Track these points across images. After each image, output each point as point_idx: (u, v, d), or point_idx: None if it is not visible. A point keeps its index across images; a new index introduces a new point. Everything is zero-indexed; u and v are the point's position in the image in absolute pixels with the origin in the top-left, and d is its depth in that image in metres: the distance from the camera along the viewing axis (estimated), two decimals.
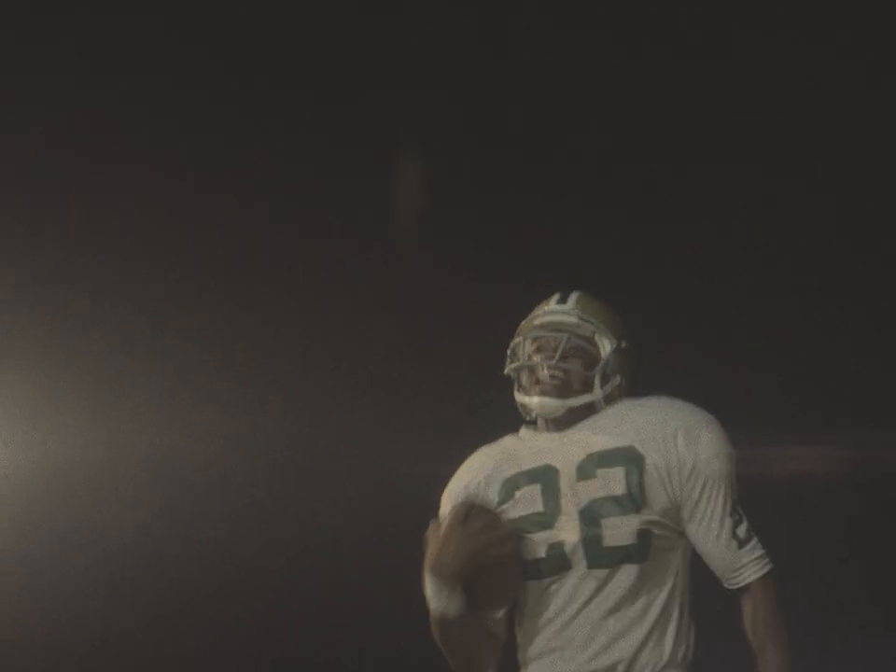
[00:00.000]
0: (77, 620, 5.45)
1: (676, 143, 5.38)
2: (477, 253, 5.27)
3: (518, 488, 3.05)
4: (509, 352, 3.15)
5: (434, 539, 2.94)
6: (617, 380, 3.10)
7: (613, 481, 3.00)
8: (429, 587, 2.93)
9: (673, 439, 2.99)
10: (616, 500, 2.97)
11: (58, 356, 5.39)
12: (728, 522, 3.02)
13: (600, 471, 3.00)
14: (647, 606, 2.97)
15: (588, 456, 3.03)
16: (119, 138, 5.37)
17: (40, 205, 5.39)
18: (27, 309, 5.38)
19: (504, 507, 3.04)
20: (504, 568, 2.95)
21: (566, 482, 3.01)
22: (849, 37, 5.26)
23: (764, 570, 3.04)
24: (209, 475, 5.38)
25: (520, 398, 3.13)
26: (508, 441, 3.15)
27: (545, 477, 3.04)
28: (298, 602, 5.46)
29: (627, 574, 2.96)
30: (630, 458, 2.99)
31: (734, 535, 3.02)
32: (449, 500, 3.14)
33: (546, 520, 3.00)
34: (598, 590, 2.95)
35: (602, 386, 3.07)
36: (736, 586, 3.04)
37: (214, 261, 5.52)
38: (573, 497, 2.99)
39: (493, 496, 3.07)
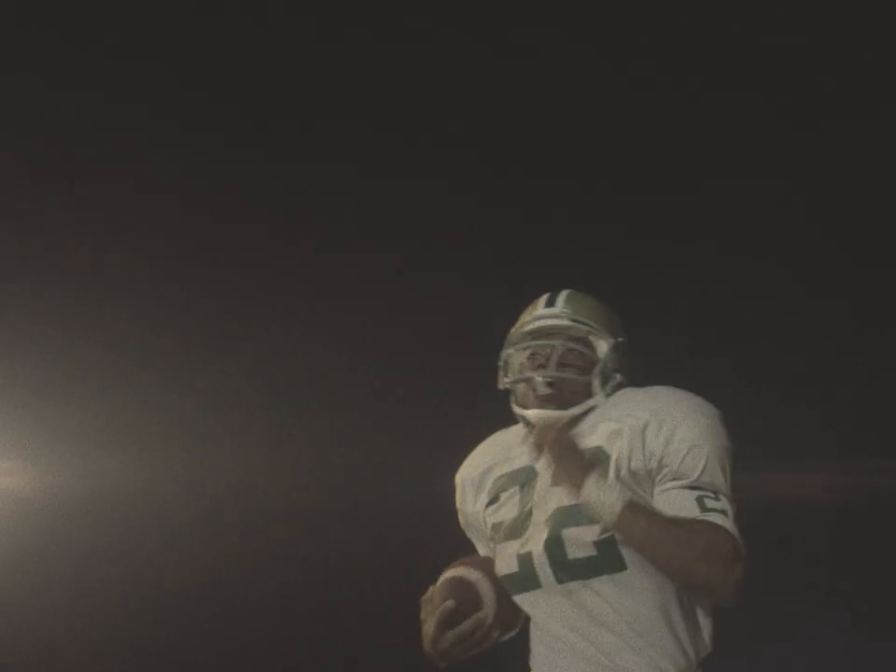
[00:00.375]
0: (98, 633, 5.49)
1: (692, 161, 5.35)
2: (470, 264, 5.27)
3: (504, 490, 2.78)
4: (500, 364, 2.85)
5: (425, 620, 2.65)
6: (617, 378, 2.82)
7: None
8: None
9: (641, 431, 2.66)
10: (579, 508, 2.64)
11: (95, 384, 5.43)
12: (698, 492, 2.59)
13: None
14: (636, 616, 2.64)
15: None
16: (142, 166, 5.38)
17: (87, 232, 5.42)
18: (66, 338, 5.40)
19: (491, 508, 2.77)
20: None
21: (541, 486, 2.73)
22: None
23: (720, 522, 2.49)
24: (230, 494, 5.41)
25: (518, 411, 2.82)
26: (514, 432, 2.85)
27: (525, 480, 2.76)
28: (316, 613, 5.47)
29: (602, 587, 2.63)
30: (598, 460, 2.66)
31: (698, 499, 2.59)
32: (456, 493, 2.94)
33: (518, 528, 2.72)
34: (576, 606, 2.64)
35: (603, 388, 2.81)
36: None
37: (239, 290, 5.52)
38: (543, 504, 2.70)
39: (485, 495, 2.81)
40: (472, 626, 2.64)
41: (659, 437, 2.65)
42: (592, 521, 2.62)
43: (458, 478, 2.86)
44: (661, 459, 2.63)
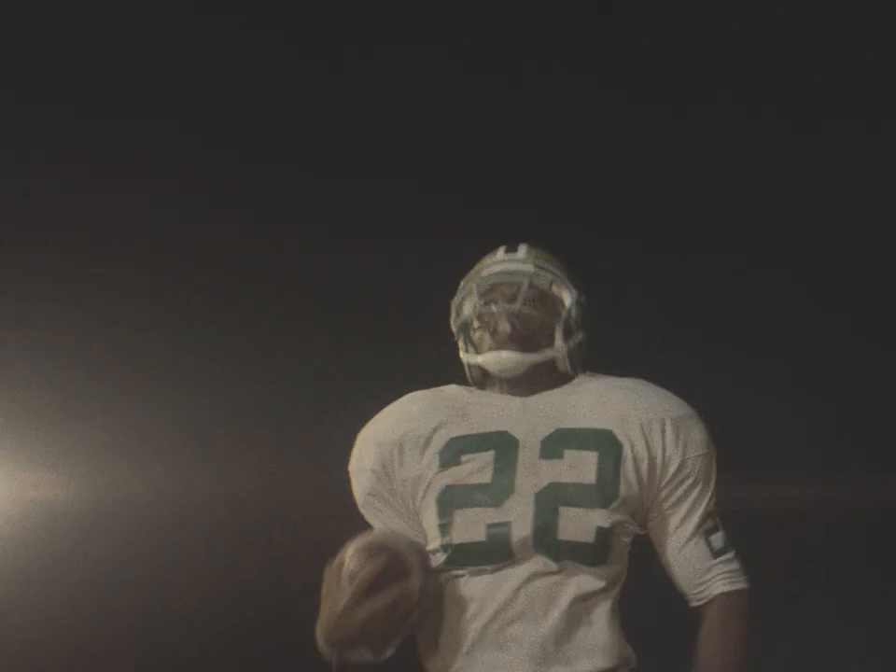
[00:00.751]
0: (126, 639, 5.54)
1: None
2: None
3: (466, 452, 2.56)
4: (453, 308, 2.70)
5: (332, 592, 2.41)
6: (580, 336, 2.67)
7: (584, 466, 2.52)
8: (322, 647, 2.47)
9: (660, 430, 2.55)
10: (583, 489, 2.51)
11: (119, 395, 5.48)
12: (704, 527, 2.59)
13: (569, 452, 2.53)
14: (597, 611, 2.53)
15: (557, 431, 2.57)
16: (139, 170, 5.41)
17: (108, 247, 5.48)
18: (89, 350, 5.45)
19: (445, 471, 2.56)
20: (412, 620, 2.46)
21: (526, 456, 2.55)
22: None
23: (736, 586, 2.59)
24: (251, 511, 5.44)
25: (470, 358, 2.65)
26: (454, 392, 2.66)
27: (501, 446, 2.55)
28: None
29: (578, 576, 2.51)
30: (607, 444, 2.53)
31: (707, 542, 2.59)
32: (375, 451, 2.63)
33: (493, 497, 2.52)
34: (545, 588, 2.50)
35: (565, 341, 2.64)
36: (702, 600, 2.60)
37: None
38: (533, 475, 2.52)
39: (433, 455, 2.58)
40: (398, 596, 2.40)
41: (679, 439, 2.54)
42: (601, 504, 2.50)
43: (391, 435, 2.62)
44: (680, 464, 2.53)
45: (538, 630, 2.49)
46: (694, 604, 2.62)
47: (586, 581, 2.51)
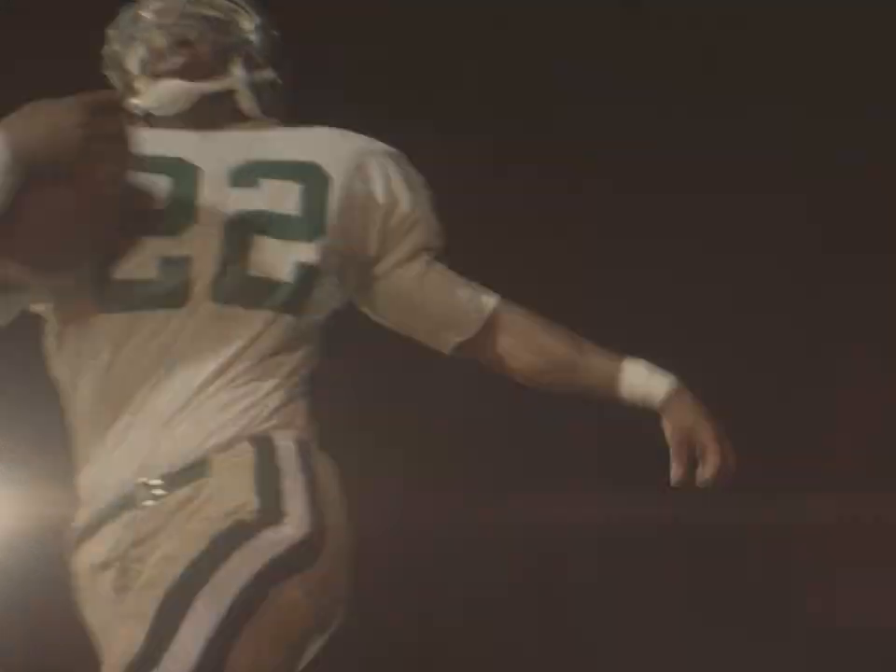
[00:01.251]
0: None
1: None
2: None
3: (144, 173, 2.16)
4: (107, 59, 2.36)
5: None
6: (269, 74, 2.35)
7: (285, 196, 2.15)
8: None
9: (378, 165, 2.23)
10: (284, 219, 2.14)
11: None
12: (432, 257, 2.27)
13: (266, 182, 2.16)
14: (278, 369, 2.13)
15: (249, 162, 2.18)
16: None
17: None
18: None
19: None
20: (97, 205, 2.03)
21: (210, 184, 2.15)
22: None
23: (495, 295, 2.30)
24: None
25: (136, 102, 2.28)
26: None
27: (177, 171, 2.17)
28: None
29: (270, 324, 2.11)
30: (312, 175, 2.18)
31: (442, 268, 2.30)
32: None
33: (166, 226, 2.12)
34: (227, 341, 2.08)
35: (248, 72, 2.31)
36: (477, 328, 2.26)
37: None
38: (218, 203, 2.13)
39: None
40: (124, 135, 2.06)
41: (399, 176, 2.25)
42: (306, 238, 2.15)
43: None
44: (403, 202, 2.23)
45: (219, 395, 2.08)
46: (464, 339, 2.28)
47: (276, 329, 2.12)
